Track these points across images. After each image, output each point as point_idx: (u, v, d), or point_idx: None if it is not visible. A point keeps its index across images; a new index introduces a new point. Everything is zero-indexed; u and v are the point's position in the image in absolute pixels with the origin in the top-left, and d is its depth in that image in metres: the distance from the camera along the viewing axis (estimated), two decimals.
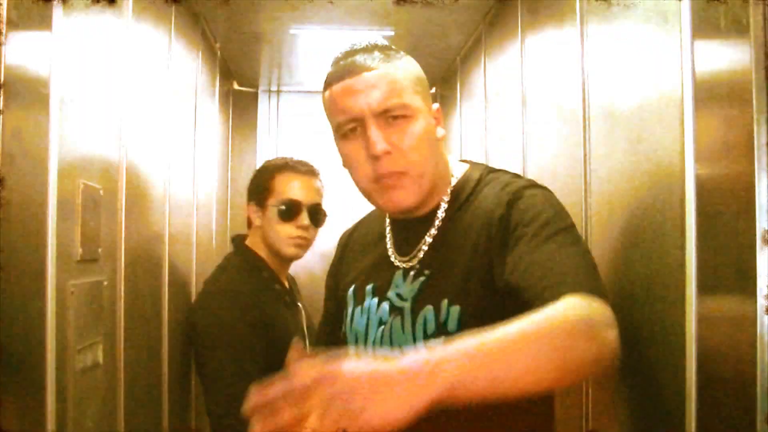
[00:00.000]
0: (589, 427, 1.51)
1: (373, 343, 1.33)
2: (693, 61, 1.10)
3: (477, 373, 0.83)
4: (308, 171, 2.22)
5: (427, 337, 1.23)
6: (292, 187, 2.19)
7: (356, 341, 1.39)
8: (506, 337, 0.88)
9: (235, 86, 3.59)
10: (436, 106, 1.33)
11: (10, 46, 1.05)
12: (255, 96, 3.84)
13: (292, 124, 3.88)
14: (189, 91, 2.51)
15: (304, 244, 2.22)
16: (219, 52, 2.99)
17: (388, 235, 1.41)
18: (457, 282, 1.23)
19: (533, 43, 2.05)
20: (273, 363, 2.09)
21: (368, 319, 1.36)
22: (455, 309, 1.21)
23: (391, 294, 1.32)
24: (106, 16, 1.52)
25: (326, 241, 3.08)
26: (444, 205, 1.32)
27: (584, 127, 1.58)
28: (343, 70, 1.26)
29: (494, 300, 1.17)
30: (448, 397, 0.80)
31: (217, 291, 2.14)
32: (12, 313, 1.06)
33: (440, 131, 1.33)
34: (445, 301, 1.22)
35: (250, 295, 2.10)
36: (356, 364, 0.80)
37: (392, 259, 1.36)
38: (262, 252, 2.22)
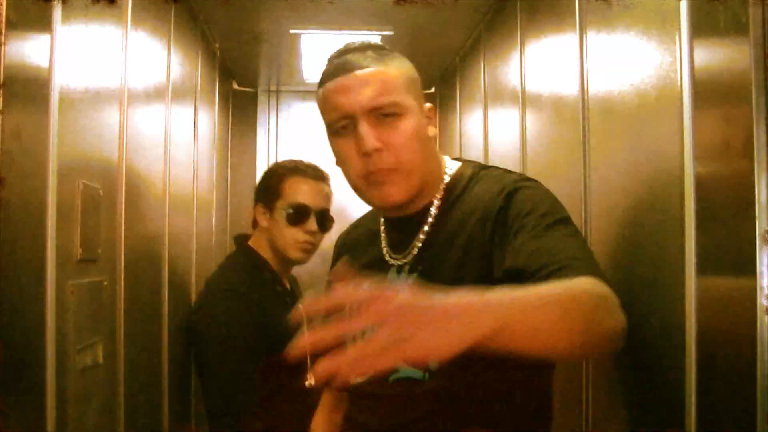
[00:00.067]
0: (589, 428, 1.51)
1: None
2: (692, 60, 1.11)
3: (519, 323, 0.84)
4: (318, 176, 2.21)
5: None
6: (301, 192, 2.18)
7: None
8: (543, 296, 0.91)
9: (235, 86, 3.59)
10: (428, 105, 1.35)
11: (10, 46, 1.05)
12: (254, 96, 3.84)
13: (292, 124, 3.88)
14: (188, 91, 2.51)
15: (311, 249, 2.22)
16: (218, 52, 2.99)
17: (383, 235, 1.42)
18: (450, 277, 1.24)
19: (532, 42, 2.05)
20: (272, 363, 2.11)
21: None
22: None
23: None
24: (106, 16, 1.52)
25: (327, 243, 3.09)
26: (436, 203, 1.33)
27: (583, 126, 1.59)
28: (336, 68, 1.28)
29: None
30: (490, 340, 0.80)
31: (218, 291, 2.14)
32: (12, 313, 1.06)
33: (432, 130, 1.34)
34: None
35: (251, 295, 2.10)
36: (411, 291, 0.79)
37: (386, 257, 1.38)
38: (265, 253, 2.21)
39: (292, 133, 3.84)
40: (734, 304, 1.00)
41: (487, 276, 1.19)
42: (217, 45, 2.92)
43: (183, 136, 2.39)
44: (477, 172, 1.35)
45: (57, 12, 1.22)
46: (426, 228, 1.32)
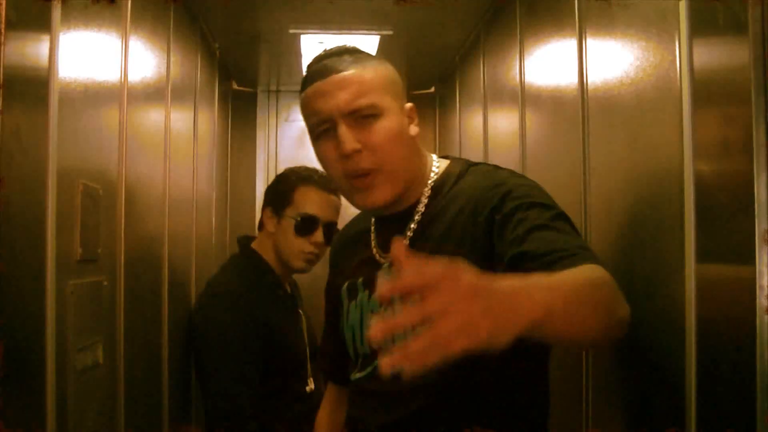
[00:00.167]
0: (590, 427, 1.51)
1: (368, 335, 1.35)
2: (691, 59, 1.11)
3: (560, 310, 0.85)
4: (330, 187, 2.19)
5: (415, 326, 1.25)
6: (312, 202, 2.18)
7: (352, 336, 1.43)
8: (572, 283, 0.93)
9: (234, 86, 3.59)
10: (409, 105, 1.37)
11: (10, 46, 1.05)
12: (254, 96, 3.84)
13: (291, 124, 3.88)
14: (188, 91, 2.51)
15: (315, 261, 2.22)
16: (218, 52, 2.99)
17: (373, 234, 1.44)
18: None
19: (532, 41, 2.05)
20: (272, 366, 2.11)
21: (362, 312, 1.39)
22: None
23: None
24: (105, 16, 1.52)
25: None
26: (424, 200, 1.35)
27: (583, 125, 1.59)
28: (314, 73, 1.31)
29: None
30: (537, 326, 0.81)
31: (219, 293, 2.14)
32: (12, 313, 1.06)
33: (414, 129, 1.36)
34: None
35: (252, 298, 2.10)
36: (472, 274, 0.78)
37: (376, 256, 1.40)
38: (268, 256, 2.21)
39: (292, 133, 3.85)
40: (734, 302, 1.00)
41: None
42: (216, 45, 2.92)
43: (182, 136, 2.39)
44: (465, 169, 1.36)
45: (57, 12, 1.22)
46: (413, 225, 1.34)
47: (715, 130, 1.07)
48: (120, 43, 1.63)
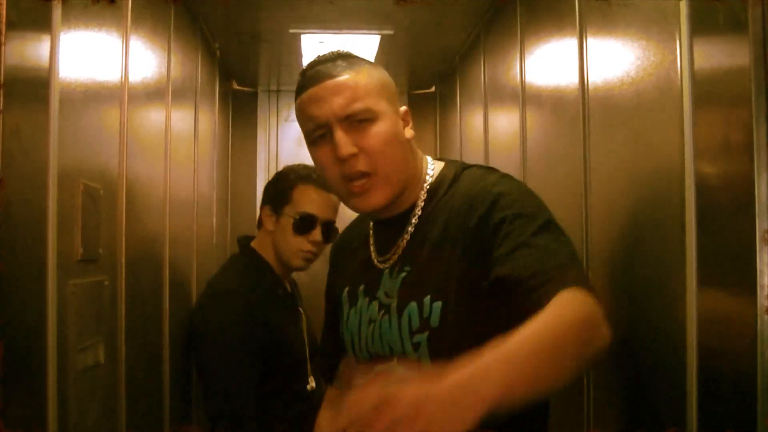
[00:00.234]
0: (591, 428, 1.51)
1: (366, 341, 1.38)
2: (692, 59, 1.11)
3: (518, 380, 0.88)
4: (328, 186, 2.19)
5: (412, 333, 1.28)
6: (311, 201, 2.18)
7: (351, 341, 1.44)
8: (532, 343, 0.93)
9: (235, 86, 3.59)
10: (403, 108, 1.38)
11: (10, 46, 1.05)
12: (254, 96, 3.85)
13: (292, 124, 3.88)
14: (189, 91, 2.51)
15: (313, 259, 2.22)
16: (218, 52, 2.99)
17: (371, 238, 1.45)
18: (437, 277, 1.27)
19: (532, 41, 2.05)
20: (273, 366, 2.11)
21: (360, 318, 1.40)
22: (437, 305, 1.25)
23: (380, 293, 1.37)
24: (106, 16, 1.52)
25: (329, 244, 3.08)
26: (420, 203, 1.36)
27: (584, 125, 1.59)
28: (308, 79, 1.32)
29: (475, 294, 1.21)
30: (497, 406, 0.84)
31: (219, 293, 2.14)
32: (13, 313, 1.06)
33: (409, 132, 1.37)
34: (428, 298, 1.26)
35: (253, 298, 2.10)
36: (411, 386, 0.82)
37: (374, 260, 1.41)
38: (267, 255, 2.21)
39: (292, 132, 3.84)
40: (735, 302, 1.00)
41: (471, 278, 1.22)
42: (216, 45, 2.92)
43: (183, 136, 2.39)
44: (459, 173, 1.37)
45: (57, 12, 1.22)
46: (410, 228, 1.36)
47: (716, 129, 1.07)
48: (120, 43, 1.63)
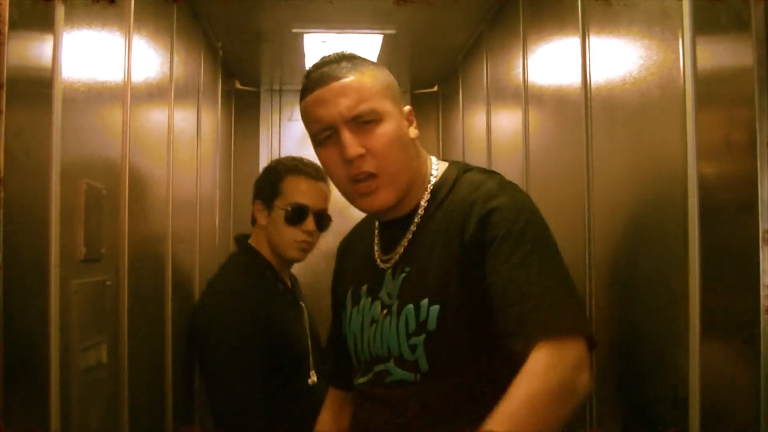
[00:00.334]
0: (593, 427, 1.51)
1: (368, 342, 1.39)
2: (695, 58, 1.10)
3: None
4: (318, 175, 2.21)
5: (408, 335, 1.29)
6: (301, 191, 2.19)
7: (354, 341, 1.45)
8: (509, 421, 1.02)
9: (237, 85, 3.59)
10: (407, 107, 1.40)
11: (12, 46, 1.05)
12: (257, 95, 3.84)
13: (294, 123, 3.88)
14: (191, 91, 2.51)
15: (308, 249, 2.23)
16: (221, 52, 2.99)
17: (376, 237, 1.46)
18: (435, 280, 1.28)
19: (535, 40, 2.05)
20: (276, 362, 2.12)
21: (363, 319, 1.41)
22: (435, 308, 1.26)
23: (382, 293, 1.38)
24: (108, 16, 1.53)
25: (330, 242, 3.09)
26: (423, 204, 1.37)
27: (586, 124, 1.58)
28: (314, 81, 1.33)
29: (471, 298, 1.23)
30: None
31: (220, 291, 2.14)
32: (15, 313, 1.06)
33: (413, 131, 1.39)
34: (426, 301, 1.27)
35: (254, 295, 2.11)
36: None
37: (377, 259, 1.42)
38: (265, 251, 2.22)
39: (295, 131, 3.84)
40: (738, 301, 1.00)
41: (469, 283, 1.24)
42: (219, 44, 2.92)
43: (186, 136, 2.39)
44: (461, 175, 1.38)
45: (59, 11, 1.22)
46: (412, 228, 1.37)
47: (719, 129, 1.07)
48: (123, 43, 1.63)
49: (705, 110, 1.09)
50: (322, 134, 1.33)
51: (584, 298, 1.53)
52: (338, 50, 1.38)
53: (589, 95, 1.58)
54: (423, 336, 1.27)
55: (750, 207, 0.93)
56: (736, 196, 1.00)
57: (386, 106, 1.32)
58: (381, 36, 2.82)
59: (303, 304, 2.31)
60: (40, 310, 1.17)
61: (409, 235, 1.36)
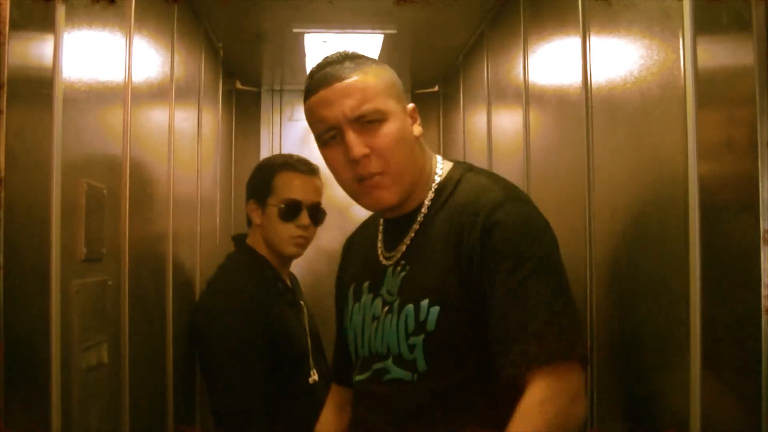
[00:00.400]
0: (594, 427, 1.51)
1: (369, 339, 1.40)
2: (695, 58, 1.10)
3: None
4: (308, 170, 2.23)
5: (407, 334, 1.30)
6: (293, 187, 2.20)
7: (354, 337, 1.45)
8: None
9: (238, 85, 3.59)
10: (411, 105, 1.39)
11: (13, 46, 1.05)
12: (258, 95, 3.84)
13: (295, 123, 3.88)
14: (192, 91, 2.51)
15: (304, 243, 2.24)
16: (221, 52, 2.99)
17: (380, 234, 1.47)
18: (436, 280, 1.28)
19: (535, 40, 2.05)
20: (276, 361, 2.12)
21: (364, 315, 1.42)
22: (435, 309, 1.27)
23: (383, 290, 1.38)
24: (109, 16, 1.53)
25: (330, 241, 3.09)
26: (427, 203, 1.37)
27: (587, 124, 1.58)
28: (317, 82, 1.33)
29: (471, 300, 1.24)
30: None
31: (220, 291, 2.15)
32: (16, 313, 1.07)
33: (417, 129, 1.39)
34: (426, 301, 1.28)
35: (254, 294, 2.11)
36: None
37: (380, 257, 1.42)
38: (263, 250, 2.22)
39: (296, 131, 3.84)
40: (738, 300, 1.00)
41: (469, 286, 1.24)
42: (220, 44, 2.92)
43: (186, 136, 2.39)
44: (465, 175, 1.38)
45: (60, 12, 1.22)
46: (415, 227, 1.37)
47: (720, 129, 1.07)
48: (124, 43, 1.64)
49: (705, 110, 1.09)
50: (326, 135, 1.33)
51: (584, 298, 1.53)
52: (339, 50, 1.38)
53: (589, 95, 1.58)
54: (422, 336, 1.27)
55: (750, 207, 0.93)
56: (736, 196, 1.00)
57: (390, 105, 1.32)
58: (382, 36, 2.82)
59: (303, 304, 2.31)
60: (41, 310, 1.18)
61: (412, 234, 1.37)
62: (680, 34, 1.14)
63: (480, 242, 1.23)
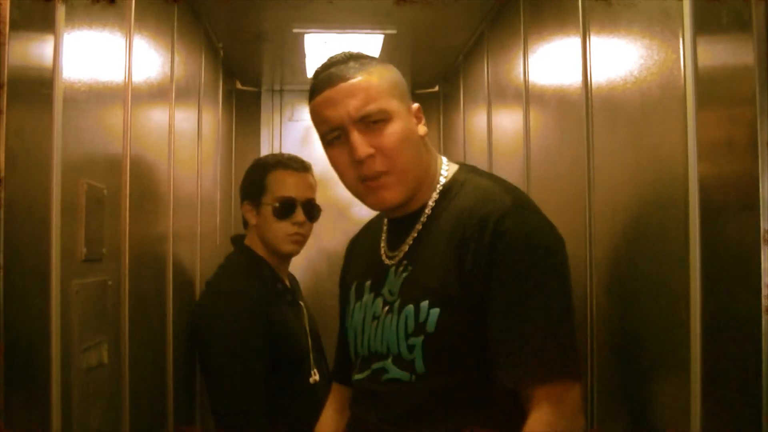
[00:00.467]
0: (594, 427, 1.51)
1: (369, 338, 1.40)
2: (695, 58, 1.10)
3: None
4: (300, 167, 2.24)
5: (407, 335, 1.30)
6: (286, 185, 2.21)
7: (354, 336, 1.46)
8: None
9: (238, 86, 3.59)
10: (415, 105, 1.40)
11: (13, 46, 1.05)
12: (258, 95, 3.85)
13: (295, 123, 3.88)
14: (192, 91, 2.51)
15: (301, 240, 2.25)
16: (221, 52, 2.99)
17: (384, 234, 1.47)
18: (437, 281, 1.28)
19: (535, 40, 2.05)
20: (276, 361, 2.12)
21: (365, 314, 1.42)
22: (435, 311, 1.26)
23: (384, 290, 1.38)
24: (109, 16, 1.53)
25: (331, 242, 3.09)
26: (431, 203, 1.37)
27: (587, 124, 1.58)
28: (322, 82, 1.34)
29: (471, 303, 1.24)
30: None
31: (219, 291, 2.15)
32: (16, 313, 1.07)
33: (422, 129, 1.39)
34: (426, 302, 1.27)
35: (253, 294, 2.11)
36: None
37: (383, 256, 1.43)
38: (261, 251, 2.23)
39: (296, 132, 3.85)
40: (738, 300, 0.99)
41: (470, 289, 1.24)
42: (220, 44, 2.92)
43: (187, 136, 2.39)
44: (469, 177, 1.38)
45: (60, 12, 1.22)
46: (419, 227, 1.37)
47: (720, 129, 1.07)
48: (124, 43, 1.64)
49: (706, 110, 1.09)
50: (331, 135, 1.33)
51: (584, 298, 1.53)
52: (340, 50, 1.39)
53: (589, 95, 1.58)
54: (421, 337, 1.27)
55: (750, 207, 0.93)
56: (736, 196, 1.00)
57: (394, 105, 1.32)
58: (382, 36, 2.82)
59: (303, 304, 2.31)
60: (41, 310, 1.18)
61: (415, 233, 1.37)
62: (680, 34, 1.14)
63: (486, 246, 1.22)
